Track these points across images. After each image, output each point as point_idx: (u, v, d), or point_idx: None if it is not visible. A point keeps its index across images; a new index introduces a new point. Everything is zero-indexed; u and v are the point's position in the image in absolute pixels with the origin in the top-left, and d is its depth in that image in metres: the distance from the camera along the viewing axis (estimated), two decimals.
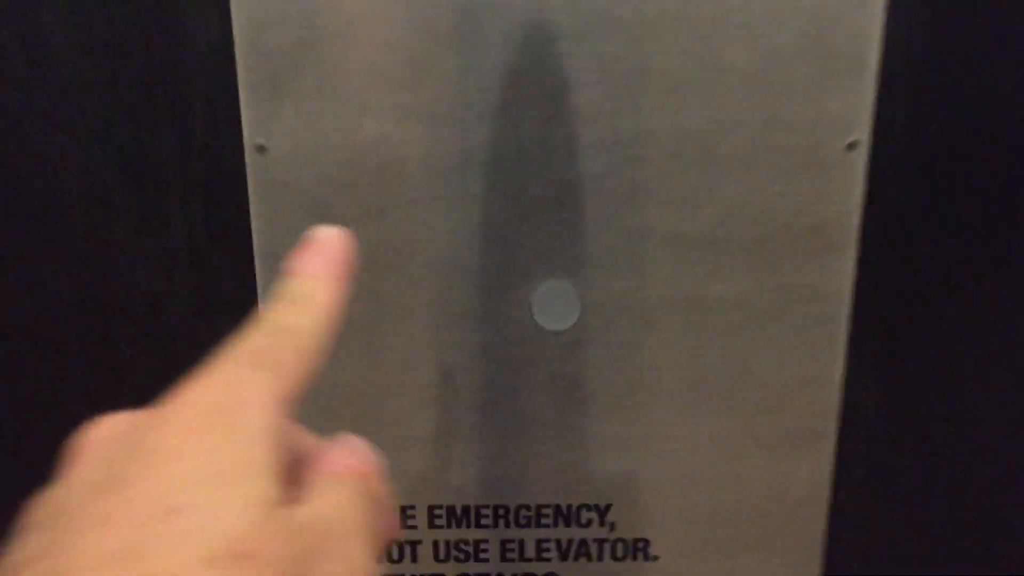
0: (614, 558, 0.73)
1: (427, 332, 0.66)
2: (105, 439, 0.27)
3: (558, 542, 0.72)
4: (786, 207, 0.64)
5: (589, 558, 0.73)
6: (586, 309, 0.66)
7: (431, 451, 0.69)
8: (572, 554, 0.72)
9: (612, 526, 0.72)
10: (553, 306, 0.66)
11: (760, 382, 0.68)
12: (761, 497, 0.71)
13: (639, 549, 0.73)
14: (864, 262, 0.66)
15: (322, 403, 0.66)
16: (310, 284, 0.30)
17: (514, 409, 0.68)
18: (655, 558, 0.73)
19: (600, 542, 0.72)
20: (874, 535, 0.74)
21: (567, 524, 0.72)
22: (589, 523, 0.72)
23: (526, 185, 0.63)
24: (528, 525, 0.71)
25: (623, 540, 0.72)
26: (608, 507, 0.71)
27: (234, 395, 0.26)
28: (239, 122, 0.62)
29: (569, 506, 0.71)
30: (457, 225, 0.64)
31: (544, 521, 0.71)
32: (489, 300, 0.66)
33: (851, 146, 0.63)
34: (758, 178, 0.63)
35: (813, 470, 0.71)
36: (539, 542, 0.72)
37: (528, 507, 0.71)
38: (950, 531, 0.74)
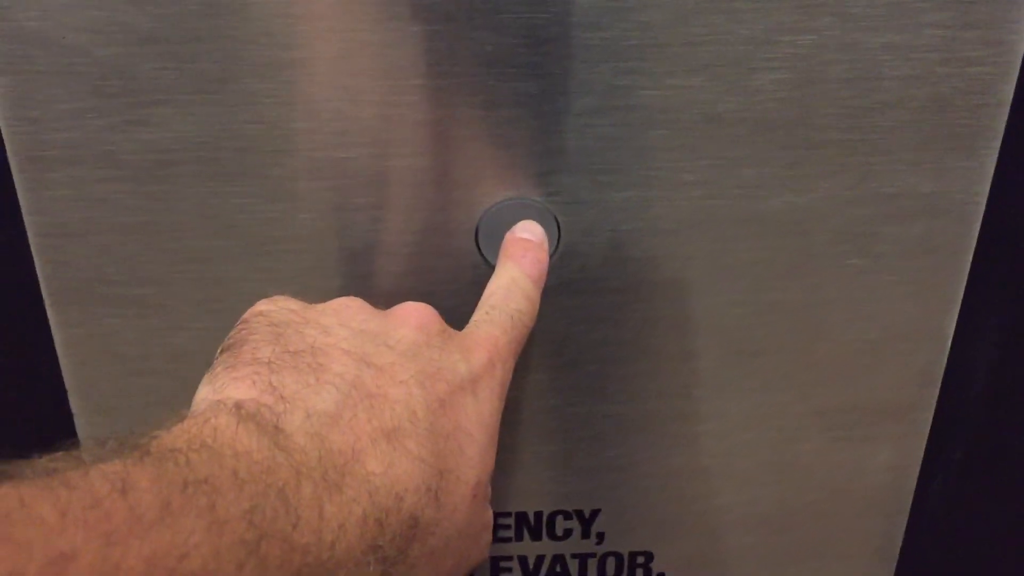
0: None
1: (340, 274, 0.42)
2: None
3: (522, 560, 0.50)
4: (898, 64, 0.39)
5: None
6: (572, 237, 0.42)
7: None
8: (543, 574, 0.50)
9: (600, 537, 0.49)
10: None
11: (834, 336, 0.45)
12: (818, 491, 0.49)
13: (637, 565, 0.50)
14: (1006, 164, 0.41)
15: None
16: (531, 286, 0.39)
17: None
18: (659, 575, 0.51)
19: (582, 557, 0.50)
20: (968, 540, 0.52)
21: (535, 537, 0.49)
22: (567, 535, 0.49)
23: (467, 36, 0.37)
24: None
25: (615, 554, 0.50)
26: (595, 514, 0.49)
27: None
28: None
29: (539, 514, 0.48)
30: (371, 107, 0.39)
31: (503, 535, 0.49)
32: (429, 228, 0.41)
33: None
34: (853, 15, 0.38)
35: (898, 455, 0.48)
36: (495, 561, 0.50)
37: None
38: None
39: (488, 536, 0.36)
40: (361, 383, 0.30)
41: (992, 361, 0.47)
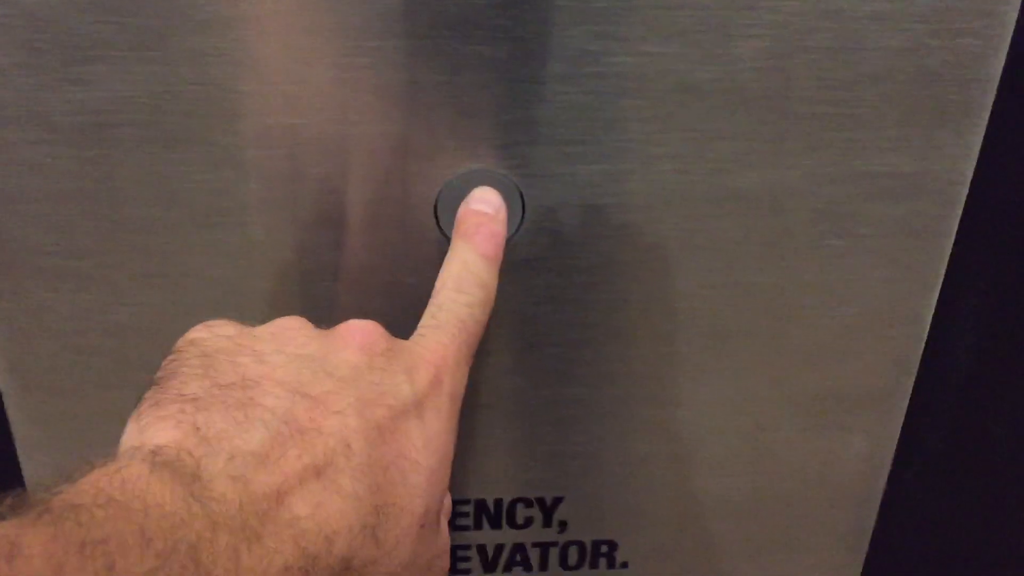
0: (565, 567, 0.49)
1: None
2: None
3: (481, 549, 0.48)
4: (885, 34, 0.37)
5: (528, 567, 0.48)
6: (537, 212, 0.40)
7: None
8: (502, 564, 0.48)
9: (562, 526, 0.47)
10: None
11: (809, 320, 0.43)
12: (790, 480, 0.47)
13: (601, 554, 0.49)
14: (994, 137, 0.39)
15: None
16: (485, 268, 0.36)
17: None
18: (623, 565, 0.49)
19: (544, 547, 0.48)
20: (941, 530, 0.51)
21: (495, 526, 0.47)
22: (528, 523, 0.47)
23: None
24: None
25: (577, 543, 0.48)
26: (557, 502, 0.47)
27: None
28: None
29: (499, 502, 0.46)
30: (332, 80, 0.36)
31: (461, 523, 0.47)
32: (386, 200, 0.39)
33: None
34: None
35: (871, 443, 0.46)
36: (453, 550, 0.47)
37: None
38: None
39: (443, 563, 0.34)
40: (292, 417, 0.28)
41: (970, 347, 0.46)
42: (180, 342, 0.31)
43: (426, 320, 0.34)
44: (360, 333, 0.32)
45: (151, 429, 0.27)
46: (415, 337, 0.34)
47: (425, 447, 0.31)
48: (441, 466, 0.31)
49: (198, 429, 0.27)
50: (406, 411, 0.31)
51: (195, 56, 0.35)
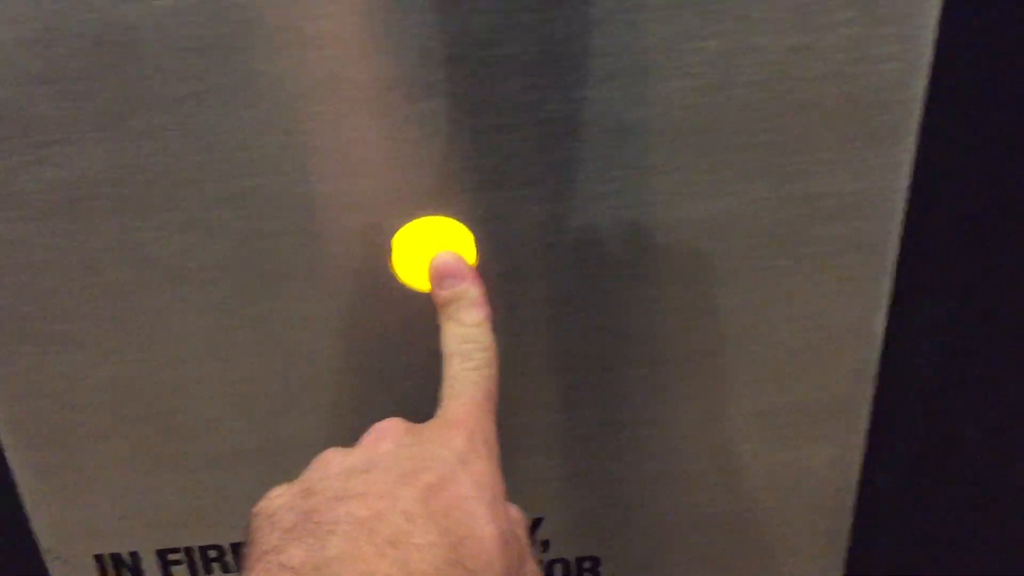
0: None
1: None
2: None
3: None
4: (807, 64, 0.38)
5: None
6: (489, 253, 0.41)
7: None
8: None
9: (545, 545, 0.49)
10: None
11: (767, 337, 0.44)
12: (763, 491, 0.49)
13: (585, 570, 0.50)
14: (926, 158, 0.40)
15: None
16: (479, 333, 0.38)
17: (388, 377, 0.44)
18: None
19: None
20: (916, 532, 0.52)
21: None
22: None
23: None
24: None
25: (562, 561, 0.50)
26: (537, 522, 0.49)
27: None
28: None
29: None
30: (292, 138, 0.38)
31: None
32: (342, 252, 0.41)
33: None
34: (755, 19, 0.37)
35: (838, 452, 0.48)
36: None
37: None
38: (1015, 529, 0.52)
39: (528, 564, 0.36)
40: (352, 516, 0.31)
41: (931, 352, 0.47)
42: (250, 515, 0.34)
43: (444, 392, 0.37)
44: (381, 430, 0.36)
45: None
46: (439, 411, 0.37)
47: (476, 486, 0.34)
48: (496, 497, 0.34)
49: (283, 566, 0.30)
50: (452, 468, 0.34)
51: (152, 131, 0.38)
